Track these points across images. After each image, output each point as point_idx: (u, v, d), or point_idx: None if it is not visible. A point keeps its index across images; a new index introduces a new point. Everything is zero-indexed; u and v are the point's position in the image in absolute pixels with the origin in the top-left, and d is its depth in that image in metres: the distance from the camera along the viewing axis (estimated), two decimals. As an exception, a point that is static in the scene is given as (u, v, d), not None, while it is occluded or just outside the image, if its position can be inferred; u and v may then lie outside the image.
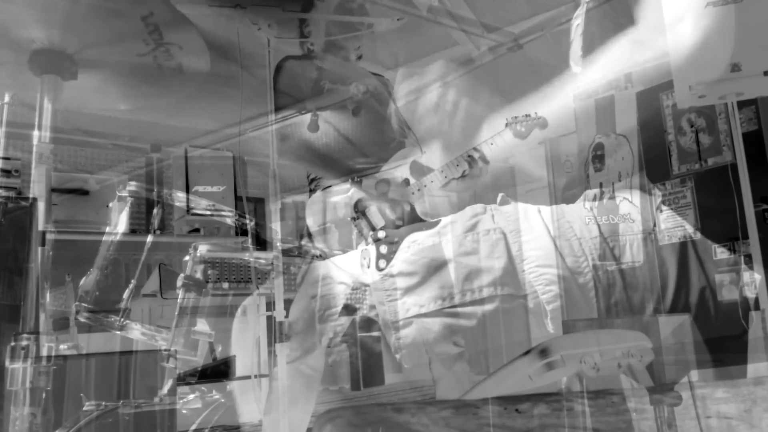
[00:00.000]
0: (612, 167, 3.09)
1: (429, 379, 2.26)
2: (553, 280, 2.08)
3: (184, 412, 2.27)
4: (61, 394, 1.94)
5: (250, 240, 2.37)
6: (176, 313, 2.10)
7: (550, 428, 1.75)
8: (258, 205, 2.76)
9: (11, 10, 2.07)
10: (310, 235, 2.14)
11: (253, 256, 2.42)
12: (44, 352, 1.87)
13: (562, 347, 1.78)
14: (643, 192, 2.94)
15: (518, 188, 3.31)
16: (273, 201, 1.98)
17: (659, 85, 3.01)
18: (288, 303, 2.04)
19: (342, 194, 2.13)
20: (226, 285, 2.70)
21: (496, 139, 2.19)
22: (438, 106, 2.46)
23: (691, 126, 2.90)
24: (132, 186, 2.26)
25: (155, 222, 2.26)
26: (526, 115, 2.21)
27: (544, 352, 1.75)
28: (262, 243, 2.34)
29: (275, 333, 1.89)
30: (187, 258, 2.17)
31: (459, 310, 2.06)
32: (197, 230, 3.02)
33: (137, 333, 2.12)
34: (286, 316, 1.94)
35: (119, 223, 2.29)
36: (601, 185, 3.07)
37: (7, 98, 2.29)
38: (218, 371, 2.47)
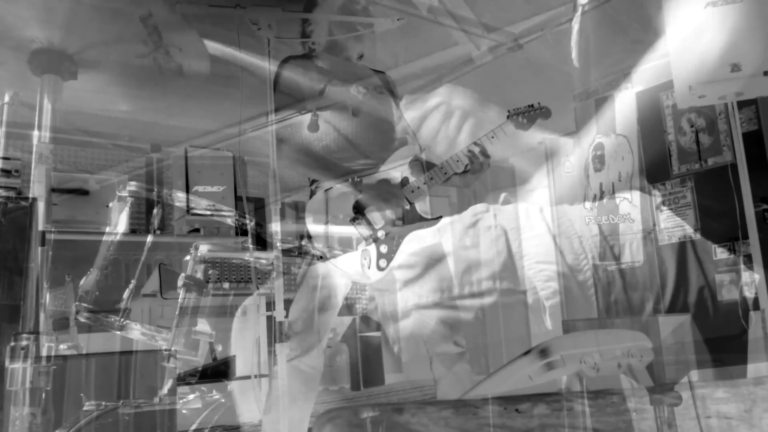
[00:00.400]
0: (612, 167, 3.09)
1: (428, 379, 2.26)
2: (552, 277, 2.08)
3: (184, 412, 2.27)
4: (61, 394, 1.94)
5: (250, 240, 2.37)
6: (176, 313, 2.10)
7: (550, 428, 1.75)
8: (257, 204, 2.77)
9: (12, 10, 2.07)
10: (310, 236, 2.14)
11: (253, 256, 2.42)
12: (44, 352, 1.87)
13: (562, 347, 1.78)
14: (643, 192, 2.94)
15: (518, 188, 3.32)
16: (273, 201, 1.98)
17: (659, 85, 3.01)
18: (288, 303, 2.04)
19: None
20: (226, 285, 2.70)
21: (498, 132, 2.15)
22: (439, 132, 2.46)
23: (691, 126, 2.90)
24: (132, 186, 2.26)
25: (155, 222, 2.26)
26: (529, 106, 2.16)
27: (544, 352, 1.75)
28: (262, 243, 2.34)
29: (275, 333, 1.89)
30: (187, 258, 2.17)
31: (458, 302, 2.06)
32: (197, 230, 3.01)
33: (137, 333, 2.11)
34: (286, 316, 1.94)
35: (119, 223, 2.29)
36: (601, 185, 3.07)
37: (7, 98, 2.29)
38: (218, 371, 2.47)
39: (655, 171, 2.99)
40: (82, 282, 2.13)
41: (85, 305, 2.10)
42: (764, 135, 2.65)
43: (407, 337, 2.05)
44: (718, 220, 2.72)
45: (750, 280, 2.54)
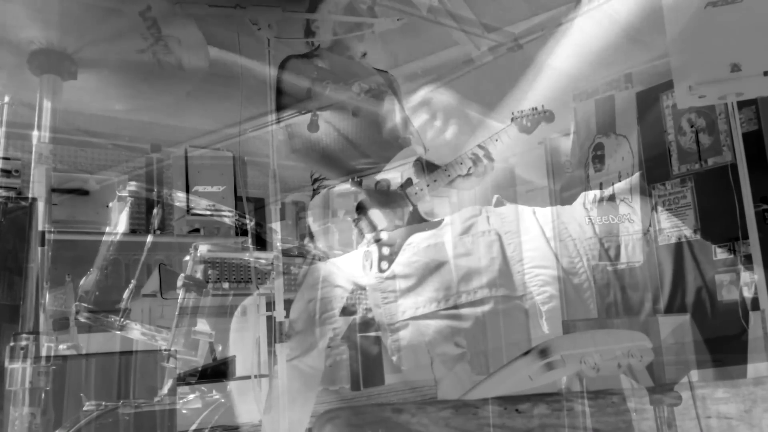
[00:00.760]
0: (612, 167, 3.09)
1: (428, 379, 2.26)
2: (547, 281, 2.08)
3: (184, 412, 2.27)
4: (60, 394, 1.94)
5: (250, 240, 2.37)
6: (176, 313, 2.10)
7: (550, 428, 1.75)
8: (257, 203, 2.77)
9: (10, 11, 2.07)
10: (311, 235, 2.14)
11: (253, 256, 2.42)
12: (44, 352, 1.87)
13: (562, 347, 1.78)
14: (643, 192, 2.94)
15: (518, 188, 3.32)
16: (273, 201, 1.98)
17: (659, 85, 3.01)
18: (288, 303, 2.04)
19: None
20: (226, 285, 2.70)
21: (502, 135, 2.16)
22: (426, 133, 2.46)
23: (691, 126, 2.90)
24: (132, 186, 2.26)
25: (155, 222, 2.26)
26: (533, 109, 2.16)
27: (544, 352, 1.75)
28: (262, 243, 2.34)
29: (275, 333, 1.89)
30: (187, 258, 2.17)
31: (454, 312, 2.06)
32: (197, 230, 3.01)
33: (137, 333, 2.11)
34: (286, 317, 1.94)
35: (119, 223, 2.29)
36: (601, 185, 3.07)
37: (6, 98, 2.28)
38: (218, 371, 2.47)
39: (655, 171, 2.99)
40: (82, 282, 2.13)
41: (85, 305, 2.10)
42: (764, 135, 2.65)
43: (405, 347, 2.05)
44: (718, 220, 2.72)
45: (750, 280, 2.54)
